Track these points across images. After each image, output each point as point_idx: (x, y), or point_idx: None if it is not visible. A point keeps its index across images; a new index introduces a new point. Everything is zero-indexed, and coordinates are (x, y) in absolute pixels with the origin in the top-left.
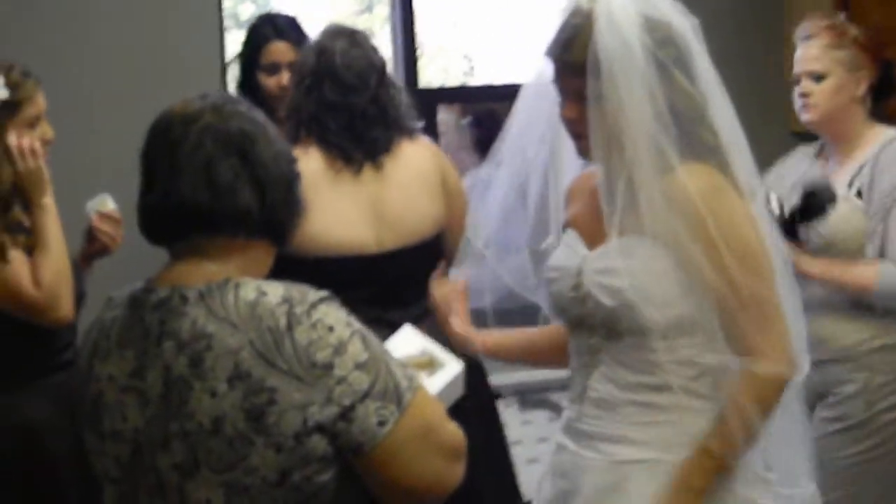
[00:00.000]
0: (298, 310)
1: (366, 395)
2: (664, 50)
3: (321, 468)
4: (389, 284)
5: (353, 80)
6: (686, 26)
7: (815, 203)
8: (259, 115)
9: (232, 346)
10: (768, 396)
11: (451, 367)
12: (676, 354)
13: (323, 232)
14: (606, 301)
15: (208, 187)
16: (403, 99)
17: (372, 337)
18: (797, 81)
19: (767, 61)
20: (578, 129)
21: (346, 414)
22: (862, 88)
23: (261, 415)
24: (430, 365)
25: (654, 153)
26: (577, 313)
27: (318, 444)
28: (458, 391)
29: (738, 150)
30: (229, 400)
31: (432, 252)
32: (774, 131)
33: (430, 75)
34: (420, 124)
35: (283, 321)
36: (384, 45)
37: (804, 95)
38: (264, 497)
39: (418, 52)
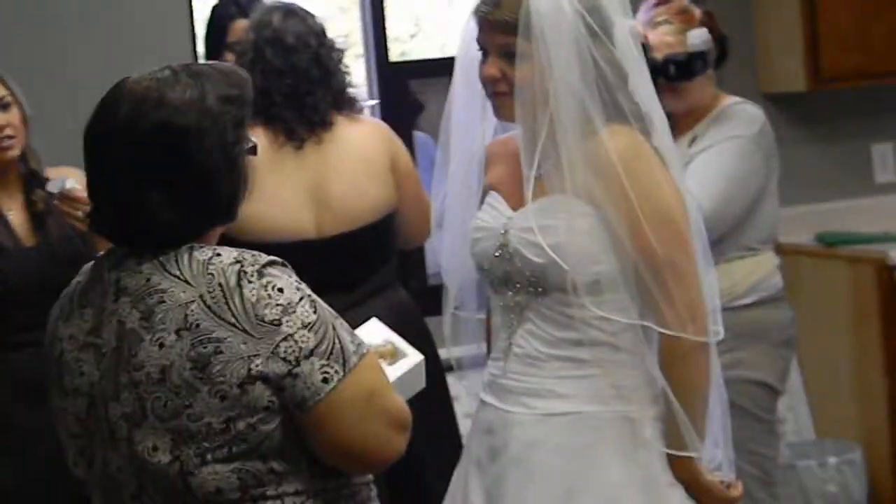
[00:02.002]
0: (249, 269)
1: (311, 353)
2: (592, 16)
3: (265, 417)
4: (330, 269)
5: (292, 42)
6: None
7: (698, 68)
8: (192, 90)
9: (182, 299)
10: (699, 360)
11: (412, 358)
12: (600, 310)
13: (263, 216)
14: (533, 258)
15: (138, 219)
16: (346, 64)
17: (321, 303)
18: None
19: (735, 24)
20: (500, 88)
21: (292, 370)
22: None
23: (206, 364)
24: (392, 355)
25: (579, 115)
26: (503, 271)
27: (262, 393)
28: (419, 383)
29: (658, 119)
30: (176, 349)
31: (379, 235)
32: (745, 93)
33: (430, 51)
34: (369, 100)
35: (233, 279)
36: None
37: None
38: (209, 444)
39: (415, 29)
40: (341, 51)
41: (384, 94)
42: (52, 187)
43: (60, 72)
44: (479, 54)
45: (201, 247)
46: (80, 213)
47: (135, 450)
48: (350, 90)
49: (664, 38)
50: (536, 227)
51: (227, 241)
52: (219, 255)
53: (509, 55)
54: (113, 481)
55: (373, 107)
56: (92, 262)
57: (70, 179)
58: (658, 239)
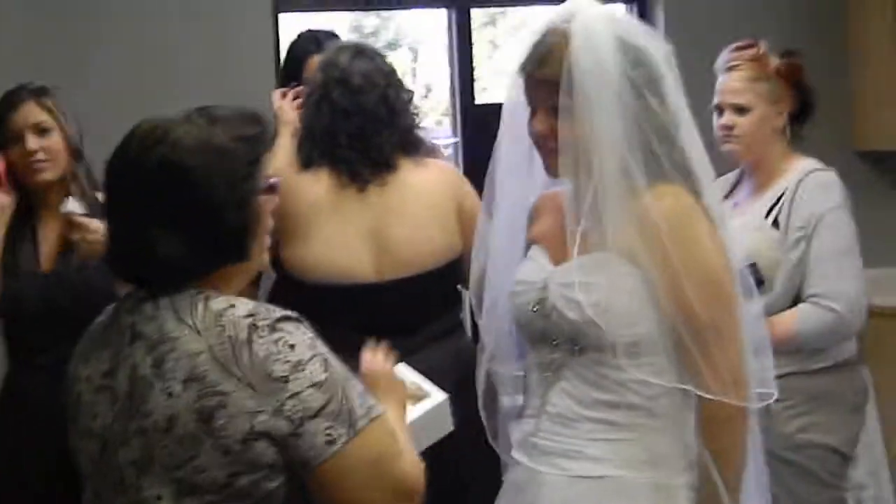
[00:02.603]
0: (261, 323)
1: (317, 414)
2: (636, 71)
3: (269, 475)
4: (387, 313)
5: (359, 82)
6: (659, 51)
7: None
8: (200, 128)
9: (193, 349)
10: (740, 427)
11: (435, 398)
12: (638, 372)
13: (322, 258)
14: (571, 315)
15: (147, 255)
16: (415, 105)
17: (335, 362)
18: (720, 111)
19: (831, 81)
20: (548, 143)
21: (296, 429)
22: (782, 120)
23: (210, 417)
24: (418, 398)
25: (621, 173)
26: (541, 327)
27: (266, 451)
28: (445, 425)
29: (706, 176)
30: (183, 400)
31: (440, 281)
32: (838, 151)
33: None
34: (452, 137)
35: (244, 333)
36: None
37: (728, 128)
38: (213, 497)
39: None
40: (410, 91)
41: (469, 135)
42: (62, 208)
43: (150, 104)
44: (524, 107)
45: (218, 296)
46: (77, 236)
47: (142, 497)
48: (417, 131)
49: (731, 84)
50: (575, 283)
51: (289, 280)
52: (233, 306)
53: (556, 110)
54: None
55: (454, 145)
56: (114, 304)
57: (72, 200)
58: (700, 301)
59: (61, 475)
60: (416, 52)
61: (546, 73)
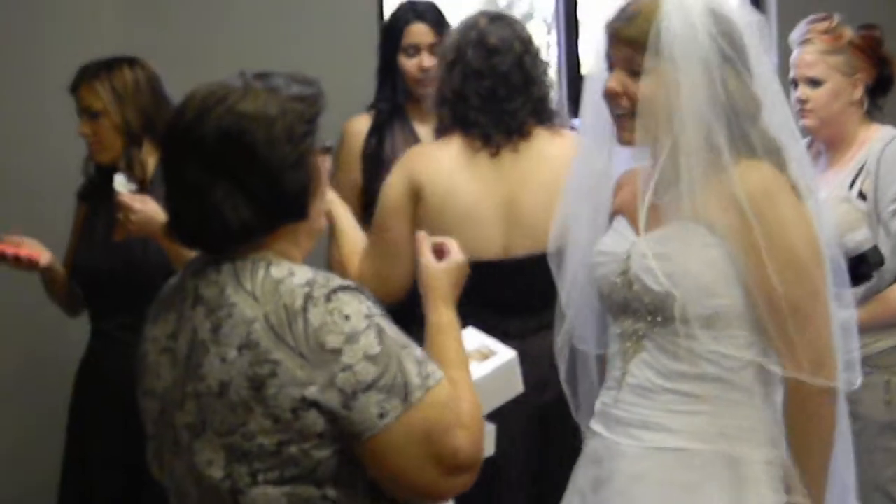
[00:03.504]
0: (318, 293)
1: (370, 387)
2: (725, 40)
3: (319, 444)
4: (513, 292)
5: (496, 43)
6: (752, 24)
7: (863, 271)
8: (257, 86)
9: (248, 316)
10: (820, 408)
11: (504, 355)
12: (720, 345)
13: (450, 232)
14: (653, 286)
15: (209, 218)
16: (551, 78)
17: (392, 330)
18: (794, 85)
19: None
20: (621, 103)
21: (348, 402)
22: (858, 92)
23: (262, 385)
24: (485, 357)
25: (705, 143)
26: (623, 298)
27: (316, 421)
28: (515, 385)
29: (795, 150)
30: (237, 366)
31: None
32: None
33: None
34: (569, 118)
35: (299, 301)
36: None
37: (802, 101)
38: (261, 465)
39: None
40: (546, 62)
41: (575, 109)
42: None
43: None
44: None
45: (281, 263)
46: (120, 216)
47: (194, 460)
48: (552, 103)
49: (804, 58)
50: (653, 254)
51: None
52: (293, 274)
53: (634, 72)
54: (180, 487)
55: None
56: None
57: (120, 178)
58: (782, 280)
59: (131, 441)
60: (550, 25)
61: (633, 32)
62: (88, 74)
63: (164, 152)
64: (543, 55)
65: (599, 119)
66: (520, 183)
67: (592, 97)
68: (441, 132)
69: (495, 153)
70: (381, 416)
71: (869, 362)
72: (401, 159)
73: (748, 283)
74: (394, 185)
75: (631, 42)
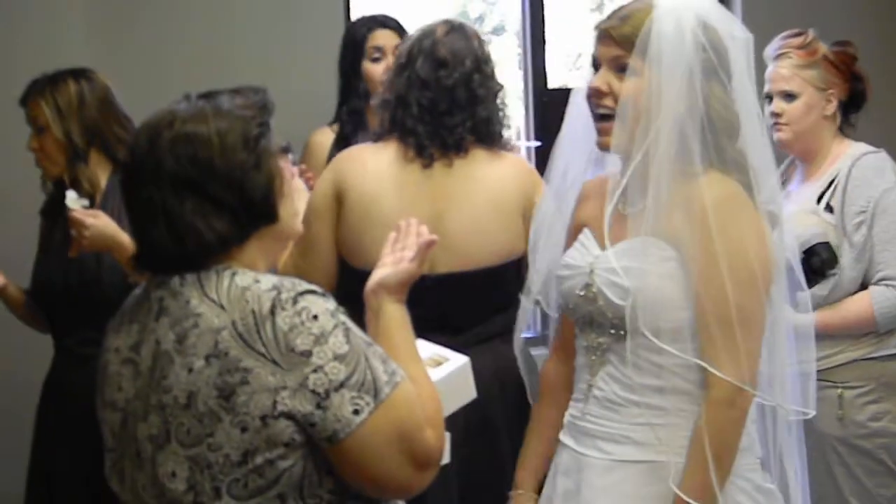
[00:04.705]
0: (285, 296)
1: (341, 385)
2: (712, 52)
3: (285, 454)
4: (436, 308)
5: (445, 56)
6: (738, 39)
7: (817, 268)
8: (202, 120)
9: (215, 325)
10: (744, 415)
11: (456, 360)
12: (683, 358)
13: (375, 245)
14: (616, 300)
15: (183, 236)
16: (500, 99)
17: (356, 331)
18: (769, 100)
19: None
20: (605, 104)
21: (321, 402)
22: (832, 107)
23: (231, 393)
24: (438, 364)
25: (679, 151)
26: (587, 311)
27: (285, 429)
28: (468, 391)
29: (765, 174)
30: (204, 376)
31: (496, 282)
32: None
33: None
34: (529, 142)
35: (266, 305)
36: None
37: (776, 115)
38: (224, 476)
39: (579, 57)
40: (500, 84)
41: (541, 122)
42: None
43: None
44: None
45: (245, 272)
46: (73, 232)
47: (157, 472)
48: (497, 125)
49: (779, 72)
50: (620, 268)
51: (348, 267)
52: (258, 281)
53: (620, 69)
54: (140, 500)
55: (529, 149)
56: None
57: (71, 195)
58: (735, 289)
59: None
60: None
61: (624, 31)
62: (35, 89)
63: (127, 184)
64: (498, 76)
65: (582, 130)
66: (448, 199)
67: (578, 109)
68: (379, 136)
69: (428, 165)
70: (356, 412)
71: (822, 376)
72: (333, 160)
73: (699, 289)
74: (321, 185)
75: (621, 41)
